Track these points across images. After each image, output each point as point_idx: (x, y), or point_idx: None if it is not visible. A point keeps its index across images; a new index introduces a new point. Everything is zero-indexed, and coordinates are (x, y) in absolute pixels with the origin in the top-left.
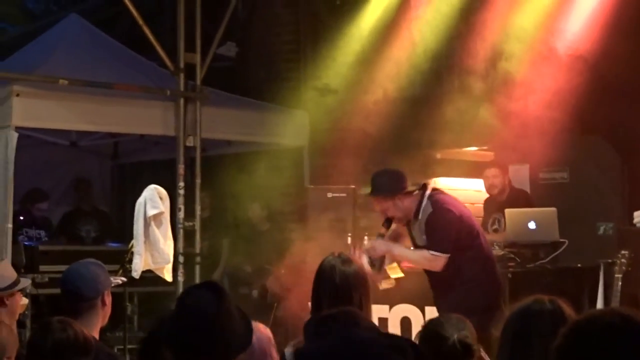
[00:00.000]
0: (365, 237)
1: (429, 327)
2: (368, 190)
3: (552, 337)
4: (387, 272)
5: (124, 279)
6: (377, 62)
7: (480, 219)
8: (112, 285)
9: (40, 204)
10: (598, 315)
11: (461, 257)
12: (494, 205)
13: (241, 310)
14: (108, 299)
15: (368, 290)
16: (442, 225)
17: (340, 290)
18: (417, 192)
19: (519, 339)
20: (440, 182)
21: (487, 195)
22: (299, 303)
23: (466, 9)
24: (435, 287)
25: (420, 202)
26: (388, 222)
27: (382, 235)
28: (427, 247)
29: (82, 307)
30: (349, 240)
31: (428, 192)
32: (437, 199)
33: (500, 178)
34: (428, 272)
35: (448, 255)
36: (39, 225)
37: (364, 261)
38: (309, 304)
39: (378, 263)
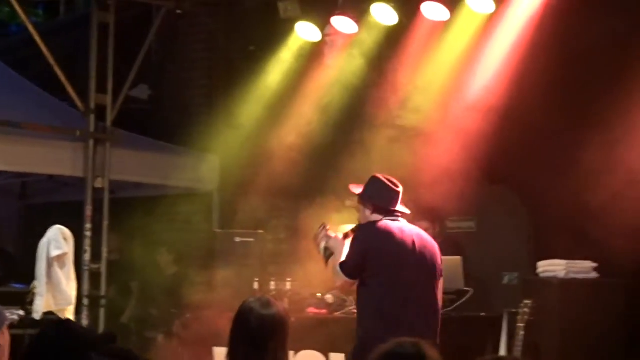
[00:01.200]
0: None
1: None
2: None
3: None
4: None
5: (21, 313)
6: (289, 108)
7: None
8: (7, 323)
9: None
10: None
11: (363, 291)
12: None
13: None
14: (2, 339)
15: (285, 335)
16: (352, 248)
17: (256, 334)
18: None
19: None
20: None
21: None
22: (205, 348)
23: (377, 59)
24: None
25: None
26: (356, 225)
27: (346, 236)
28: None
29: None
30: (256, 285)
31: (385, 219)
32: (368, 224)
33: (432, 230)
34: None
35: (345, 277)
36: None
37: (321, 246)
38: (214, 348)
39: (327, 255)
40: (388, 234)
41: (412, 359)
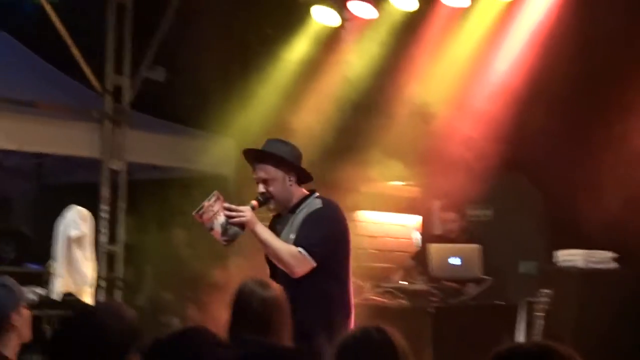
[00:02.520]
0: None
1: None
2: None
3: None
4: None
5: (40, 291)
6: (307, 92)
7: (407, 254)
8: (24, 304)
9: None
10: (517, 345)
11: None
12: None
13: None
14: (18, 320)
15: (287, 315)
16: (327, 228)
17: (259, 316)
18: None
19: None
20: (365, 216)
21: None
22: (221, 333)
23: (396, 44)
24: None
25: (306, 197)
26: (265, 199)
27: (252, 207)
28: (299, 243)
29: None
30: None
31: (318, 194)
32: (330, 201)
33: (458, 223)
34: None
35: (314, 263)
36: None
37: (218, 221)
38: None
39: (232, 232)
40: (344, 215)
41: (380, 345)
